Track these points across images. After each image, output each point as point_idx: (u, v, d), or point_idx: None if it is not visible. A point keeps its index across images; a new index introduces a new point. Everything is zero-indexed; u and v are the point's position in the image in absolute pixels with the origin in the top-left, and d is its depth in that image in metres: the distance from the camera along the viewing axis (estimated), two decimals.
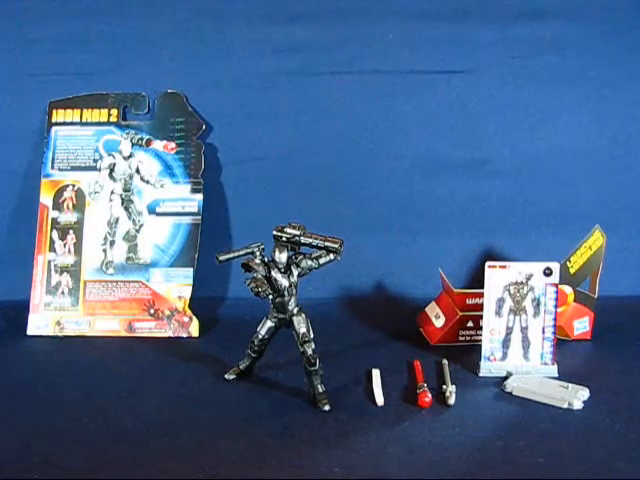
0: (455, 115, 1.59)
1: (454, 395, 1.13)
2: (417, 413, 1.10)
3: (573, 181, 1.61)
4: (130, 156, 1.53)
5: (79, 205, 1.52)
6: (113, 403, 1.15)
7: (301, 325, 1.15)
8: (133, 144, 1.54)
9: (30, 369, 1.29)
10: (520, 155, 1.60)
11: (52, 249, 1.50)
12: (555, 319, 1.24)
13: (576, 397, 1.12)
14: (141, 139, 1.54)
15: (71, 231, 1.51)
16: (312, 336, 1.14)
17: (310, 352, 1.13)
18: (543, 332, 1.24)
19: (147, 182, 1.52)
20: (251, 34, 1.57)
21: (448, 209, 1.61)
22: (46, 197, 1.52)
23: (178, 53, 1.58)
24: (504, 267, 1.25)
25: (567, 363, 1.26)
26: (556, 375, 1.23)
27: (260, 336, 1.19)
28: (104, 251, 1.50)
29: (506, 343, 1.25)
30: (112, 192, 1.52)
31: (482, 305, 1.27)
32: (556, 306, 1.24)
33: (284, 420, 1.08)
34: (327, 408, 1.11)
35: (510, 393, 1.17)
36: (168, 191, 1.53)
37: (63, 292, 1.48)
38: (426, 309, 1.46)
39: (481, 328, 1.27)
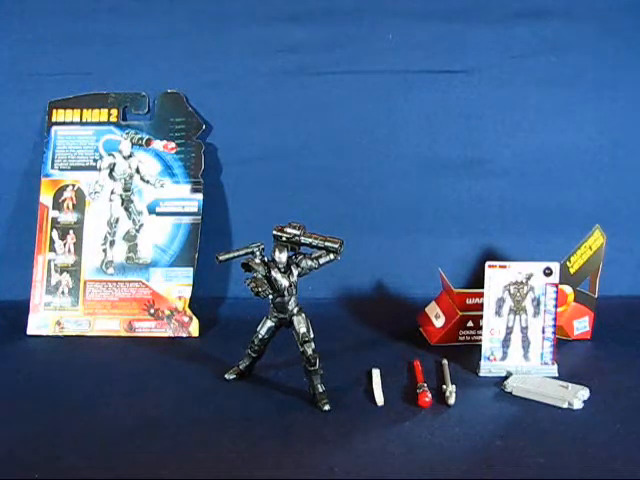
0: (455, 115, 1.59)
1: (454, 395, 1.13)
2: (417, 413, 1.10)
3: (573, 181, 1.61)
4: (130, 156, 1.53)
5: (79, 205, 1.52)
6: (113, 403, 1.15)
7: (301, 325, 1.15)
8: (133, 144, 1.54)
9: (30, 369, 1.29)
10: (520, 155, 1.60)
11: (52, 249, 1.50)
12: (555, 319, 1.24)
13: (576, 397, 1.12)
14: (141, 139, 1.54)
15: (71, 231, 1.51)
16: (312, 336, 1.14)
17: (310, 352, 1.13)
18: (543, 332, 1.24)
19: (147, 182, 1.52)
20: (251, 34, 1.57)
21: (448, 209, 1.61)
22: (46, 197, 1.52)
23: (178, 53, 1.58)
24: (504, 267, 1.25)
25: (567, 363, 1.26)
26: (556, 375, 1.23)
27: (260, 336, 1.19)
28: (104, 251, 1.50)
29: (506, 343, 1.25)
30: (112, 192, 1.52)
31: (482, 305, 1.27)
32: (556, 306, 1.25)
33: (284, 420, 1.08)
34: (327, 408, 1.11)
35: (510, 393, 1.17)
36: (168, 191, 1.53)
37: (63, 292, 1.48)
38: (426, 309, 1.46)
39: (481, 328, 1.27)
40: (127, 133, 1.54)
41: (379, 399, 1.14)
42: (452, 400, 1.12)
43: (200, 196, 1.52)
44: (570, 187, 1.61)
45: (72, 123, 1.55)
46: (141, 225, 1.51)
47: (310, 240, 1.13)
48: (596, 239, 1.41)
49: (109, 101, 1.56)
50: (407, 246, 1.61)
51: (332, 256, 1.15)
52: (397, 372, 1.25)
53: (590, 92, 1.59)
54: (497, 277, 1.25)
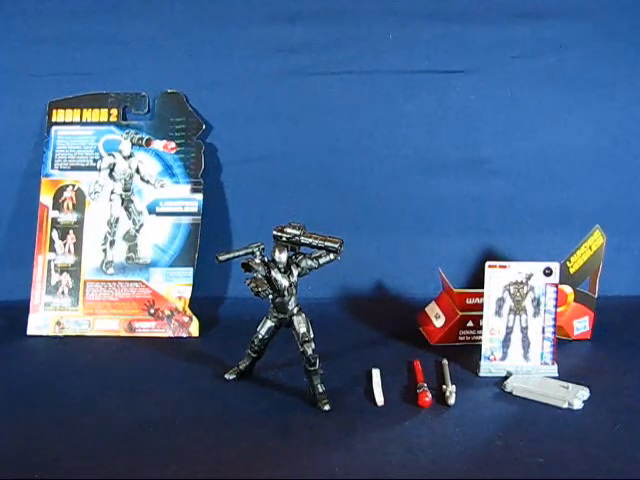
0: (455, 115, 1.59)
1: (454, 395, 1.13)
2: (417, 413, 1.10)
3: (573, 181, 1.61)
4: (130, 156, 1.53)
5: (79, 205, 1.52)
6: (113, 403, 1.15)
7: (301, 325, 1.15)
8: (133, 144, 1.54)
9: (30, 369, 1.29)
10: (520, 155, 1.60)
11: (52, 249, 1.50)
12: (555, 319, 1.25)
13: (576, 397, 1.12)
14: (141, 139, 1.54)
15: (71, 231, 1.51)
16: (312, 336, 1.14)
17: (310, 352, 1.13)
18: (543, 332, 1.24)
19: (147, 182, 1.52)
20: (251, 34, 1.57)
21: (448, 209, 1.61)
22: (46, 197, 1.52)
23: (178, 53, 1.58)
24: (504, 267, 1.25)
25: (567, 363, 1.26)
26: (556, 375, 1.23)
27: (260, 336, 1.19)
28: (104, 251, 1.50)
29: (506, 343, 1.25)
30: (112, 192, 1.52)
31: (482, 305, 1.27)
32: (556, 306, 1.25)
33: (284, 420, 1.08)
34: (327, 408, 1.11)
35: (510, 393, 1.17)
36: (168, 191, 1.53)
37: (63, 292, 1.48)
38: (426, 309, 1.46)
39: (481, 328, 1.28)
40: (127, 133, 1.54)
41: (379, 399, 1.14)
42: (452, 400, 1.13)
43: (200, 196, 1.52)
44: (570, 187, 1.61)
45: (72, 123, 1.55)
46: (141, 225, 1.51)
47: (310, 240, 1.13)
48: (596, 239, 1.41)
49: (109, 101, 1.56)
50: (407, 246, 1.61)
51: (332, 256, 1.15)
52: (397, 372, 1.25)
53: (590, 92, 1.59)
54: (497, 277, 1.25)
